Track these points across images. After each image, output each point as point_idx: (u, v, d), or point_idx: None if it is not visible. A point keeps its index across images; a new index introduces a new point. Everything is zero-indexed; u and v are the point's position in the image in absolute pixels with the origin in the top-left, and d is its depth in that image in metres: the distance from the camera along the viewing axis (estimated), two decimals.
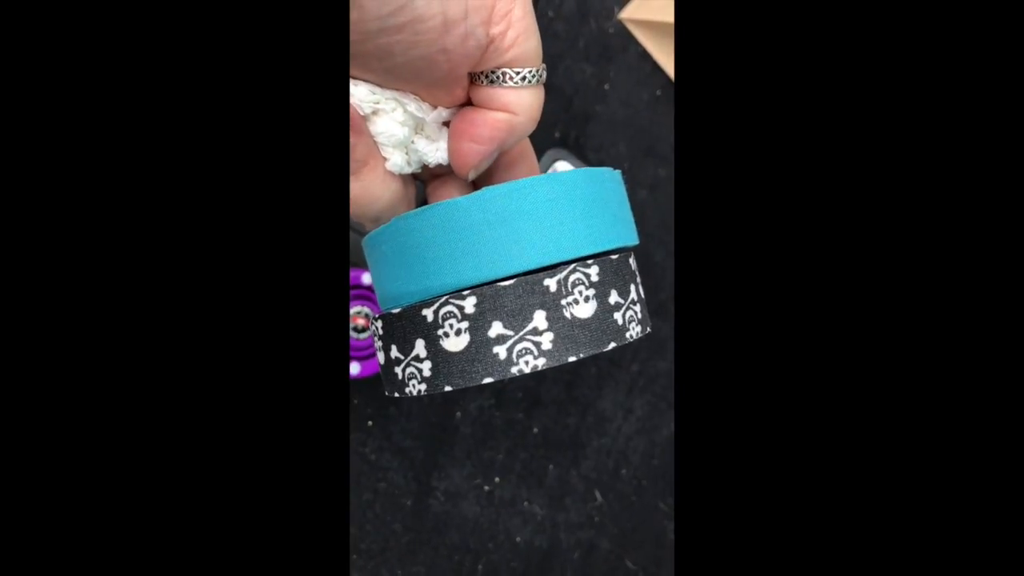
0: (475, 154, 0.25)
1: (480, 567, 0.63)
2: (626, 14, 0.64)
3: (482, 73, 0.23)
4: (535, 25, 0.23)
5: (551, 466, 0.65)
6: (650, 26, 0.64)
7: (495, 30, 0.22)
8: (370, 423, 0.60)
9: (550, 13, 0.63)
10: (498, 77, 0.23)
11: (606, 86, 0.64)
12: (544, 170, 0.61)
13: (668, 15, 0.61)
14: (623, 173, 0.51)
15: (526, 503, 0.64)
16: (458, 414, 0.62)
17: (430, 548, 0.62)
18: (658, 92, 0.65)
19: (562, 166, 0.61)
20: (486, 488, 0.63)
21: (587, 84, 0.64)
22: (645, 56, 0.65)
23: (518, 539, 0.64)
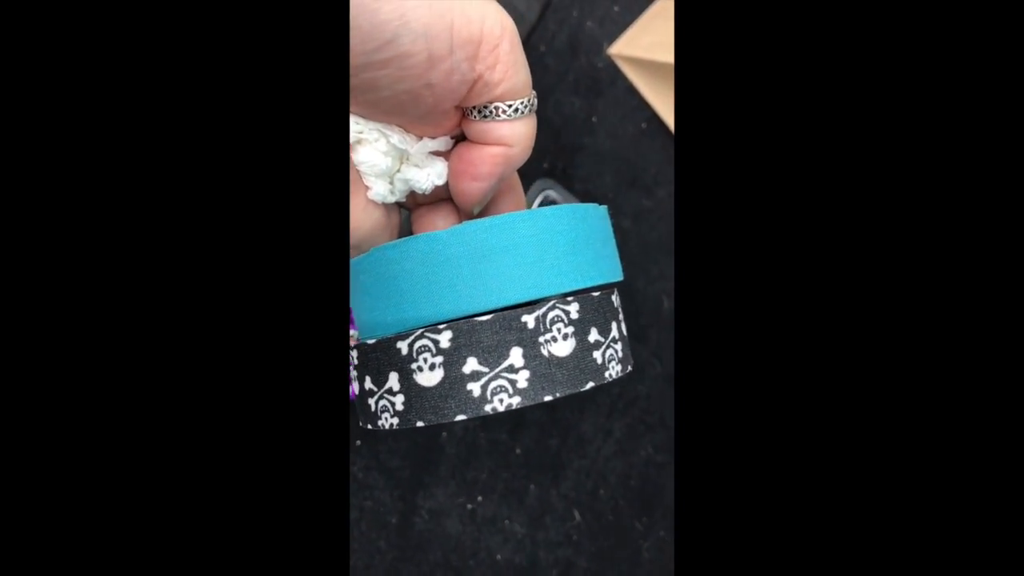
0: (478, 192, 0.25)
1: None
2: (615, 50, 0.66)
3: (474, 108, 0.23)
4: (523, 57, 0.23)
5: (532, 486, 0.66)
6: (638, 62, 0.66)
7: (481, 66, 0.22)
8: (358, 442, 0.61)
9: (542, 47, 0.65)
10: (491, 112, 0.23)
11: (594, 119, 0.66)
12: (533, 199, 0.63)
13: (655, 53, 0.64)
14: (609, 203, 0.52)
15: (507, 521, 0.66)
16: (444, 434, 0.64)
17: (413, 565, 0.63)
18: (643, 125, 0.68)
19: (551, 195, 0.63)
20: (469, 507, 0.65)
21: (576, 117, 0.66)
22: (632, 91, 0.67)
23: (498, 557, 0.65)
